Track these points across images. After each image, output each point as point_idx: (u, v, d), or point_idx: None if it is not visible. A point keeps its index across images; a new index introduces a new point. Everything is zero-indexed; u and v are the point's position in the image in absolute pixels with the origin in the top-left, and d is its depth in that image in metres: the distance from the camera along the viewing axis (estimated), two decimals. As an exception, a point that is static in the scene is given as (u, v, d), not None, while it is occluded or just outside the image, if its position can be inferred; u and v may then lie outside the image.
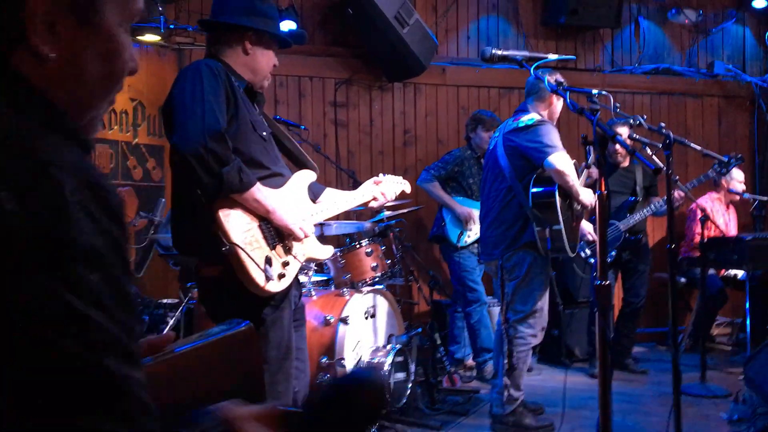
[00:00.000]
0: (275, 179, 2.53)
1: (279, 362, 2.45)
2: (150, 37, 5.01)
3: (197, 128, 2.23)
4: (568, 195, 3.76)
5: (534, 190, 3.74)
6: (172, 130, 2.34)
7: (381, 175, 3.01)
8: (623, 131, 4.75)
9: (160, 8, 4.63)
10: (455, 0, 6.33)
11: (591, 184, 4.76)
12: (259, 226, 2.40)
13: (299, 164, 2.80)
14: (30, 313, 0.62)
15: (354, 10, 5.45)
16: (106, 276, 0.67)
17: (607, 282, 2.05)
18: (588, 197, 3.81)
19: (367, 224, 4.51)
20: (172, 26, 5.00)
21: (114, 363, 0.66)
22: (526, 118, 3.82)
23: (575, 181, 3.70)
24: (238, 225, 2.33)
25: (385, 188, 2.94)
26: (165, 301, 4.22)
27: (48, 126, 0.74)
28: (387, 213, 4.45)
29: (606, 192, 2.03)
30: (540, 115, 3.86)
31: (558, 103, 3.95)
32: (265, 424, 0.94)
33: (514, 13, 6.53)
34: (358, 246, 4.27)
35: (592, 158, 3.94)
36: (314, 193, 2.79)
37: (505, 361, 3.87)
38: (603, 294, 2.03)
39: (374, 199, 2.91)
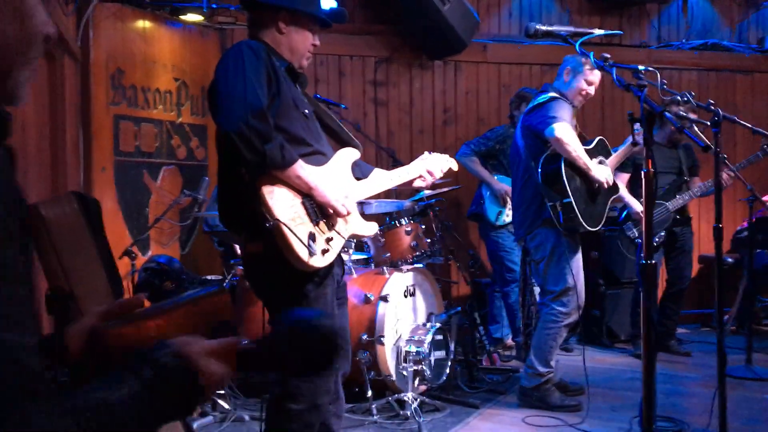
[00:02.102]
0: (317, 157, 2.55)
1: None
2: (192, 17, 5.06)
3: (239, 107, 2.27)
4: (582, 170, 3.77)
5: (543, 165, 3.79)
6: (215, 109, 2.38)
7: (426, 153, 2.99)
8: (692, 115, 4.62)
9: (203, -12, 4.67)
10: (497, -24, 6.24)
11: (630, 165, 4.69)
12: (303, 203, 2.43)
13: (342, 143, 2.81)
14: None
15: (394, -12, 5.41)
16: None
17: (653, 262, 2.03)
18: (599, 172, 3.81)
19: (407, 203, 4.50)
20: (214, 6, 5.04)
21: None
22: (541, 97, 3.88)
23: (580, 152, 3.73)
24: (281, 201, 2.36)
25: (432, 166, 2.91)
26: (209, 277, 4.30)
27: None
28: (427, 192, 4.44)
29: (653, 171, 1.99)
30: (558, 93, 3.88)
31: (575, 82, 3.91)
32: (221, 359, 0.95)
33: (558, -12, 6.41)
34: (398, 225, 4.28)
35: (637, 136, 3.92)
36: (363, 173, 2.80)
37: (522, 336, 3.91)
38: (648, 274, 2.00)
39: (420, 177, 2.89)
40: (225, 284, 4.06)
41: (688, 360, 5.14)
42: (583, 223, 3.76)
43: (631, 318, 5.38)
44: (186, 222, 4.84)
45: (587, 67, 3.88)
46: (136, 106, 4.78)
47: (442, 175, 2.98)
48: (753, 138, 6.43)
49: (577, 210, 3.72)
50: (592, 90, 3.95)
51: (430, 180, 2.91)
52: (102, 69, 4.57)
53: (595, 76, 3.92)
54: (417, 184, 2.92)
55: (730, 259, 5.87)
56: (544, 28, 2.42)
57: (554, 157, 3.77)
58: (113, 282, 3.22)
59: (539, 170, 3.80)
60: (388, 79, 5.98)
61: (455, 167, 3.08)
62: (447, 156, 3.04)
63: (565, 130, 3.68)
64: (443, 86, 6.11)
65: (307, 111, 2.58)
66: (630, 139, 4.08)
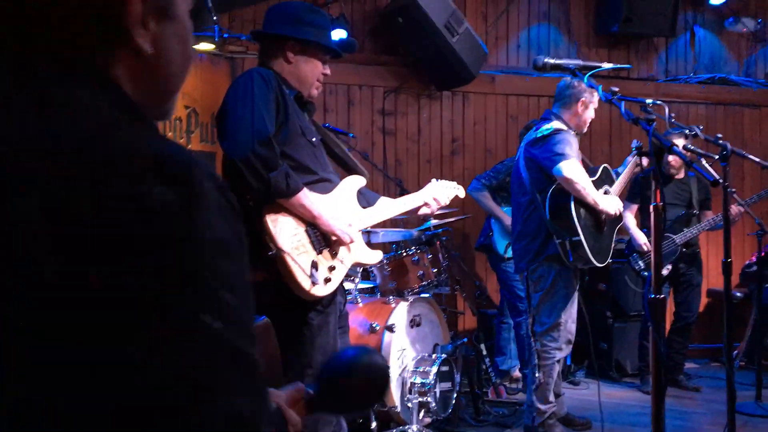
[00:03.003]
0: (323, 185, 2.56)
1: None
2: (204, 46, 5.12)
3: (246, 134, 2.30)
4: (590, 204, 3.69)
5: (551, 201, 3.70)
6: (223, 135, 2.41)
7: (434, 180, 2.99)
8: (679, 142, 4.64)
9: (214, 17, 4.72)
10: (505, 8, 6.30)
11: (638, 184, 4.65)
12: (306, 231, 2.44)
13: (349, 170, 2.83)
14: (186, 297, 0.66)
15: (404, 19, 5.47)
16: (239, 266, 0.72)
17: (662, 296, 2.01)
18: (608, 205, 3.73)
19: (414, 232, 4.50)
20: (225, 35, 5.09)
21: (247, 344, 0.70)
22: (545, 128, 3.78)
23: (590, 190, 3.65)
24: (285, 230, 2.37)
25: (438, 193, 2.91)
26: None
27: (155, 130, 0.78)
28: (434, 221, 4.43)
29: (662, 204, 1.98)
30: (564, 123, 3.82)
31: (587, 113, 3.87)
32: (296, 409, 1.03)
33: (566, 21, 6.47)
34: (404, 254, 4.26)
35: (638, 160, 3.88)
36: (368, 201, 2.81)
37: (537, 374, 3.85)
38: (657, 308, 1.98)
39: (426, 204, 2.88)
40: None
41: (697, 395, 5.07)
42: (593, 260, 3.68)
43: (639, 351, 5.32)
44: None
45: (596, 96, 3.84)
46: (146, 132, 4.82)
47: (448, 202, 2.98)
48: (762, 172, 6.42)
49: (586, 247, 3.63)
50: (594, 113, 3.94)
51: (435, 207, 2.90)
52: (113, 96, 4.61)
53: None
54: (423, 211, 2.92)
55: (739, 294, 5.81)
56: (552, 61, 2.43)
57: (562, 192, 3.67)
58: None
59: (547, 206, 3.71)
60: (396, 108, 6.02)
61: (462, 194, 3.08)
62: (454, 183, 3.03)
63: (573, 169, 3.59)
64: (451, 116, 6.14)
65: (314, 139, 2.60)
66: (628, 160, 4.03)
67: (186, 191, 0.67)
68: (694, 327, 5.25)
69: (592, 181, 3.77)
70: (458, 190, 3.04)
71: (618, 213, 3.81)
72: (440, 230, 4.56)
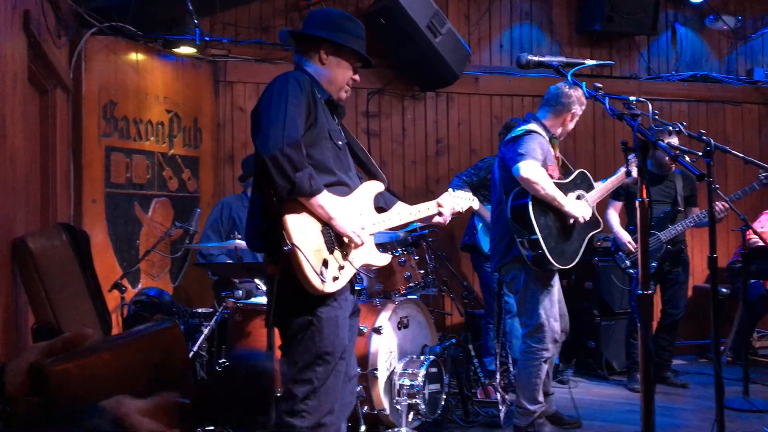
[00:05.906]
0: (341, 187, 2.70)
1: (331, 360, 2.59)
2: (185, 50, 5.07)
3: (277, 135, 2.45)
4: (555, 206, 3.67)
5: (512, 200, 3.71)
6: (256, 133, 2.55)
7: (450, 190, 3.13)
8: (674, 141, 4.65)
9: (195, 21, 4.68)
10: (488, 9, 6.31)
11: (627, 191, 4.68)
12: (321, 231, 2.59)
13: (369, 174, 3.00)
14: None
15: (386, 21, 5.45)
16: None
17: (649, 292, 2.00)
18: (574, 208, 3.71)
19: (401, 234, 4.47)
20: (207, 38, 5.05)
21: None
22: (519, 129, 3.81)
23: (550, 191, 3.63)
24: (301, 227, 2.53)
25: (452, 202, 3.05)
26: (200, 310, 4.23)
27: None
28: (420, 223, 4.41)
29: (648, 200, 1.98)
30: (543, 127, 3.83)
31: (571, 124, 3.92)
32: (157, 417, 0.95)
33: (548, 20, 6.49)
34: (390, 256, 4.24)
35: (630, 166, 3.90)
36: (386, 203, 2.96)
37: (500, 377, 3.87)
38: (645, 304, 1.98)
39: (440, 213, 3.00)
40: (217, 316, 4.00)
41: (685, 392, 5.09)
42: (552, 261, 3.63)
43: (626, 349, 5.33)
44: (177, 254, 4.80)
45: (582, 108, 3.90)
46: (128, 137, 4.76)
47: (462, 211, 3.14)
48: (744, 167, 6.47)
49: (544, 247, 3.60)
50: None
51: (448, 216, 3.03)
52: (94, 101, 4.56)
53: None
54: (436, 220, 3.07)
55: (724, 290, 5.85)
56: (536, 58, 2.43)
57: (523, 192, 3.67)
58: (102, 315, 3.17)
59: (509, 205, 3.72)
60: (380, 110, 6.00)
61: (476, 206, 3.22)
62: (470, 194, 3.19)
63: (531, 169, 3.57)
64: (435, 117, 6.14)
65: (340, 143, 2.77)
66: (621, 169, 4.04)
67: None
68: (680, 324, 5.27)
69: (563, 184, 3.76)
70: (473, 202, 3.18)
71: (584, 219, 3.76)
72: (426, 231, 4.54)
